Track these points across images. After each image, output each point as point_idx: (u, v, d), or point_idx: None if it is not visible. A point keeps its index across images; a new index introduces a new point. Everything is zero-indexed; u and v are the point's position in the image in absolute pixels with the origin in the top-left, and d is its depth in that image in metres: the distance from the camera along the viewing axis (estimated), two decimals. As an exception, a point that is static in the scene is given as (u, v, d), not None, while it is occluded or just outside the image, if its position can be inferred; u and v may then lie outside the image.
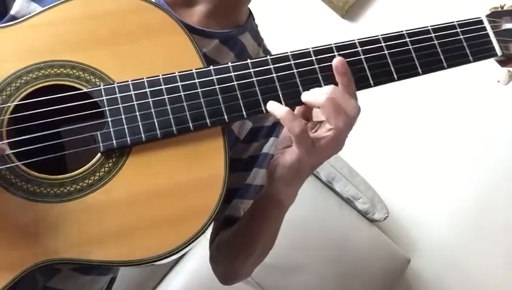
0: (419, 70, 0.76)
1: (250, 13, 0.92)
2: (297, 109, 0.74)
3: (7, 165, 0.66)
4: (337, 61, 0.72)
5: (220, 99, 0.71)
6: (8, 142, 0.66)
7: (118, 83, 0.70)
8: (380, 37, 0.77)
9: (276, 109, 0.71)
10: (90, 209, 0.66)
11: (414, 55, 0.77)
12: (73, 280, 0.83)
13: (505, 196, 1.84)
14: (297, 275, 1.63)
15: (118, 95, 0.69)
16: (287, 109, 0.70)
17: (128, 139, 0.69)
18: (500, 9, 0.81)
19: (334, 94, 0.70)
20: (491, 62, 0.82)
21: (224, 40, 0.84)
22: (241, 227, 0.89)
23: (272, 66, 0.73)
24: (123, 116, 0.69)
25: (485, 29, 0.80)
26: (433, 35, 0.78)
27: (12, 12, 0.77)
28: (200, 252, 1.51)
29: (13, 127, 0.67)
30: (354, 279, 1.68)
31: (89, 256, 0.65)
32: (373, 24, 1.86)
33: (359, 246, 1.71)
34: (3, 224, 0.64)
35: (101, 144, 0.68)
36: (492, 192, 1.85)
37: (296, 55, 0.74)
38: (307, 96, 0.72)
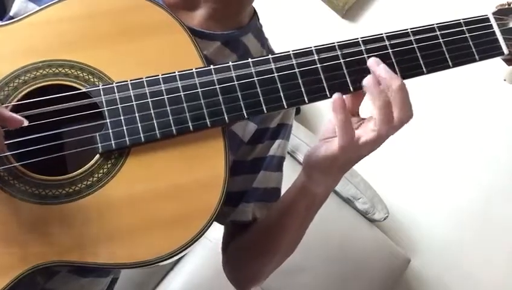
0: (424, 69, 0.75)
1: (255, 13, 0.90)
2: (346, 100, 0.72)
3: (5, 166, 0.65)
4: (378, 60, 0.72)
5: (221, 99, 0.71)
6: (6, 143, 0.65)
7: (116, 83, 0.69)
8: (384, 35, 0.75)
9: (335, 96, 0.70)
10: (89, 210, 0.66)
11: (419, 54, 0.75)
12: (71, 282, 0.82)
13: (505, 196, 1.84)
14: (297, 275, 1.62)
15: (116, 95, 0.69)
16: (340, 95, 0.70)
17: (127, 139, 0.68)
18: (507, 6, 0.80)
19: (394, 95, 0.70)
20: (497, 61, 0.81)
21: (226, 42, 0.83)
22: (265, 227, 0.88)
23: (273, 66, 0.73)
24: (122, 117, 0.68)
25: (492, 27, 0.78)
26: (438, 33, 0.76)
27: (11, 13, 0.76)
28: (200, 253, 1.51)
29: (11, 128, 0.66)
30: (354, 279, 1.68)
31: (89, 258, 0.65)
32: (373, 24, 1.86)
33: (359, 246, 1.71)
34: (2, 226, 0.64)
35: (99, 145, 0.67)
36: (492, 192, 1.85)
37: (298, 54, 0.73)
38: (367, 84, 0.71)
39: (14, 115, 0.63)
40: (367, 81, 0.71)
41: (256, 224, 0.90)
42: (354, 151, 0.73)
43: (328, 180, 0.79)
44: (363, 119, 0.73)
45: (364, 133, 0.71)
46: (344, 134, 0.70)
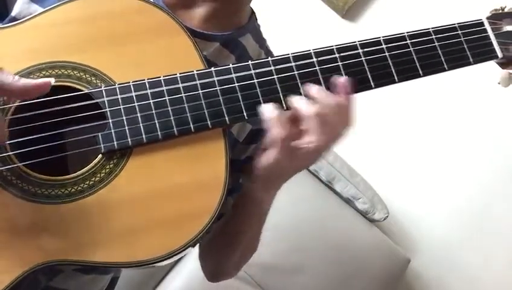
0: (420, 72, 0.77)
1: (253, 13, 0.90)
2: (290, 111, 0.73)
3: (8, 166, 0.66)
4: (344, 80, 0.72)
5: (221, 100, 0.71)
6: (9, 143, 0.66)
7: (119, 84, 0.70)
8: (381, 38, 0.76)
9: (268, 110, 0.71)
10: (91, 210, 0.66)
11: (415, 57, 0.76)
12: (74, 279, 0.83)
13: (505, 196, 1.84)
14: (298, 275, 1.63)
15: (119, 96, 0.69)
16: (277, 113, 0.70)
17: (129, 140, 0.68)
18: (500, 11, 0.81)
19: (325, 110, 0.71)
20: (492, 64, 0.82)
21: (225, 43, 0.84)
22: (224, 225, 0.88)
23: (273, 68, 0.73)
24: (124, 118, 0.69)
25: (486, 31, 0.80)
26: (434, 37, 0.78)
27: (13, 13, 0.77)
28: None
29: (14, 128, 0.66)
30: (354, 279, 1.68)
31: (91, 257, 0.65)
32: (373, 24, 1.86)
33: (359, 246, 1.71)
34: (4, 225, 0.64)
35: (102, 145, 0.68)
36: (492, 192, 1.85)
37: (297, 57, 0.74)
38: (295, 102, 0.72)
39: (35, 81, 0.61)
40: (297, 98, 0.72)
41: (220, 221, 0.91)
42: (295, 163, 0.74)
43: (274, 189, 0.80)
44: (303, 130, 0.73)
45: (300, 144, 0.71)
46: (276, 147, 0.71)
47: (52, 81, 0.62)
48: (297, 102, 0.72)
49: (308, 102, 0.72)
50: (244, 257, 0.93)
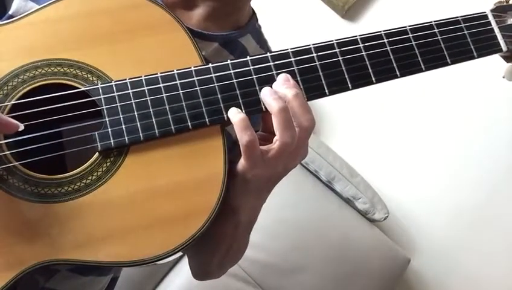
0: (423, 66, 0.75)
1: (254, 13, 0.89)
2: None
3: (4, 166, 0.65)
4: (284, 75, 0.70)
5: (219, 97, 0.71)
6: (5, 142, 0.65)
7: (115, 82, 0.69)
8: (382, 33, 0.75)
9: (233, 115, 0.69)
10: (88, 209, 0.66)
11: (417, 52, 0.75)
12: (71, 280, 0.82)
13: (505, 196, 1.84)
14: (297, 275, 1.63)
15: (115, 93, 0.69)
16: (242, 116, 0.68)
17: (126, 138, 0.68)
18: (505, 3, 0.80)
19: (291, 103, 0.68)
20: (496, 58, 0.81)
21: (224, 43, 0.83)
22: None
23: (271, 63, 0.73)
24: (121, 115, 0.68)
25: (490, 24, 0.79)
26: (436, 30, 0.77)
27: (10, 11, 0.76)
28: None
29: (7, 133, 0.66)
30: (354, 279, 1.68)
31: (88, 257, 0.65)
32: (373, 24, 1.85)
33: (359, 246, 1.71)
34: (0, 224, 0.64)
35: (98, 144, 0.67)
36: (492, 192, 1.85)
37: (297, 52, 0.73)
38: (264, 95, 0.70)
39: (10, 119, 0.62)
40: (263, 92, 0.70)
41: None
42: (267, 170, 0.70)
43: (253, 200, 0.76)
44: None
45: (269, 147, 0.69)
46: (248, 155, 0.68)
47: (21, 127, 0.62)
48: (263, 95, 0.70)
49: (272, 97, 0.69)
50: (229, 259, 0.90)
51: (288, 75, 0.71)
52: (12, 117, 0.66)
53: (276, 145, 0.68)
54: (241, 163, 0.70)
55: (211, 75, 0.71)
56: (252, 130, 0.67)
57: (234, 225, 0.79)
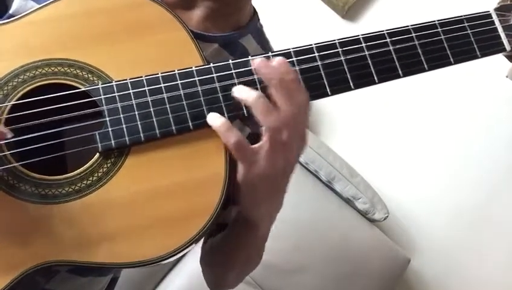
0: (425, 66, 0.75)
1: (255, 13, 0.88)
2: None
3: (5, 167, 0.65)
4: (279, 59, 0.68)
5: (221, 97, 0.70)
6: (7, 139, 0.65)
7: (116, 82, 0.69)
8: (385, 32, 0.75)
9: (213, 120, 0.68)
10: (89, 210, 0.65)
11: (420, 51, 0.75)
12: (71, 281, 0.82)
13: (505, 196, 1.84)
14: (298, 275, 1.63)
15: (116, 94, 0.68)
16: (222, 120, 0.67)
17: (127, 138, 0.67)
18: (509, 2, 0.79)
19: (282, 83, 0.66)
20: (499, 57, 0.81)
21: (225, 44, 0.82)
22: (221, 240, 0.85)
23: None
24: (121, 116, 0.68)
25: (494, 24, 0.78)
26: (440, 30, 0.76)
27: (10, 11, 0.76)
28: (200, 253, 1.51)
29: (11, 127, 0.65)
30: (354, 279, 1.68)
31: (89, 258, 0.64)
32: (373, 24, 1.84)
33: (359, 246, 1.71)
34: (1, 225, 0.64)
35: (99, 144, 0.67)
36: (492, 192, 1.85)
37: (299, 52, 0.73)
38: (237, 93, 0.69)
39: None
40: (235, 92, 0.69)
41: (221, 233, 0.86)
42: (266, 168, 0.68)
43: (264, 204, 0.74)
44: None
45: (260, 143, 0.67)
46: (240, 156, 0.67)
47: (9, 135, 0.63)
48: (237, 92, 0.69)
49: (246, 89, 0.68)
50: (245, 270, 0.90)
51: (264, 59, 0.69)
52: (12, 117, 0.66)
53: (266, 136, 0.67)
54: (239, 169, 0.68)
55: (212, 75, 0.71)
56: (236, 131, 0.67)
57: (254, 235, 0.79)
